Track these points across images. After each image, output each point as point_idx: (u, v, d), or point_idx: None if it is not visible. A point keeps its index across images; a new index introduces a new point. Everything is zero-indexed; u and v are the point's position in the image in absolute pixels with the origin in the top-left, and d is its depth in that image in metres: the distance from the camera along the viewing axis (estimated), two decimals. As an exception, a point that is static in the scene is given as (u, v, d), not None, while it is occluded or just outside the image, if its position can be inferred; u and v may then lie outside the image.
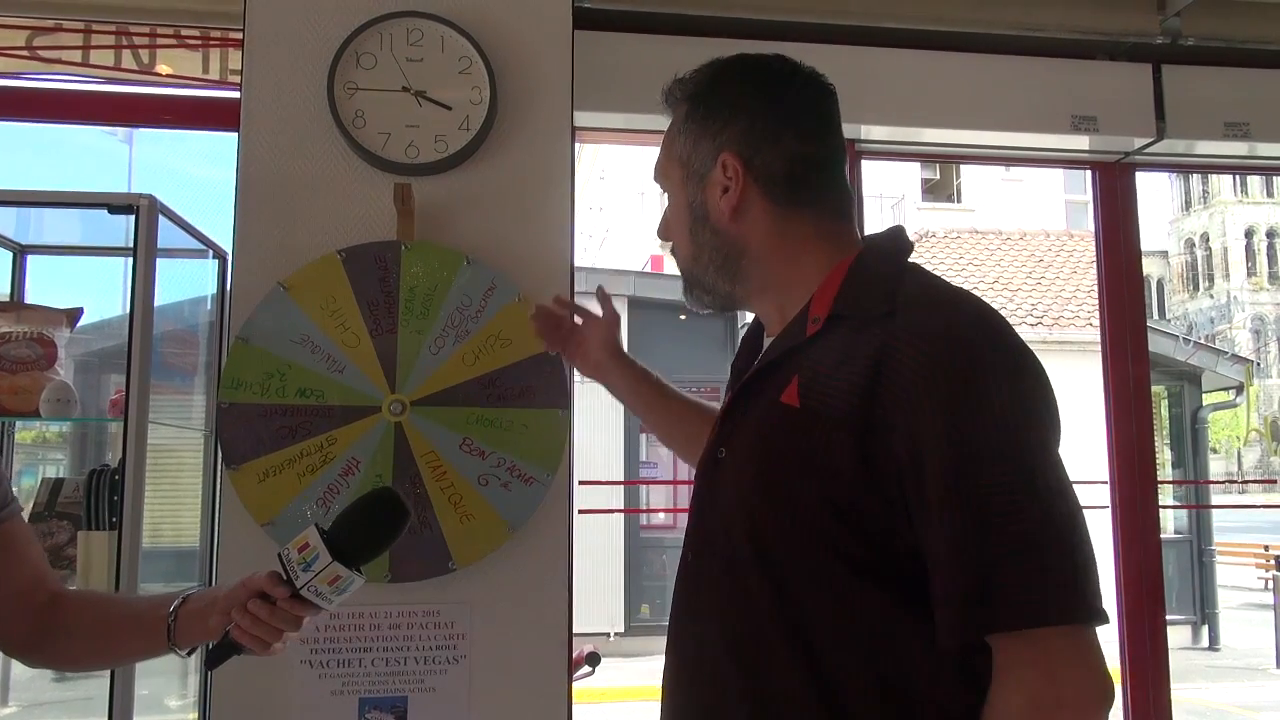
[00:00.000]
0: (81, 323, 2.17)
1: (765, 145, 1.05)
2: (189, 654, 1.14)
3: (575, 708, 1.71)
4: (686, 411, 1.46)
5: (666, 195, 1.16)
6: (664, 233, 1.17)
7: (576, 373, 1.68)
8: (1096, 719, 0.85)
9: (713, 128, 1.07)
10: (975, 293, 1.01)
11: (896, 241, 1.07)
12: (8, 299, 2.30)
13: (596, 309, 1.54)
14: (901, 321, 0.93)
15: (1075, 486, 0.91)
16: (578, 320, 1.56)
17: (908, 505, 0.90)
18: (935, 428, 0.88)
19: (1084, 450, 1.91)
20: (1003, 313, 0.98)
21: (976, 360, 0.90)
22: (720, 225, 1.07)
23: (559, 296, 1.59)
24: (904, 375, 0.90)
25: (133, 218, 1.84)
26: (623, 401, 1.52)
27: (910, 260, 1.04)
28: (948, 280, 1.03)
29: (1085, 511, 0.90)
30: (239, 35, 1.76)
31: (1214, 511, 10.19)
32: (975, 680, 0.90)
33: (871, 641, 0.92)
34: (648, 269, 14.02)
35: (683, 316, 9.65)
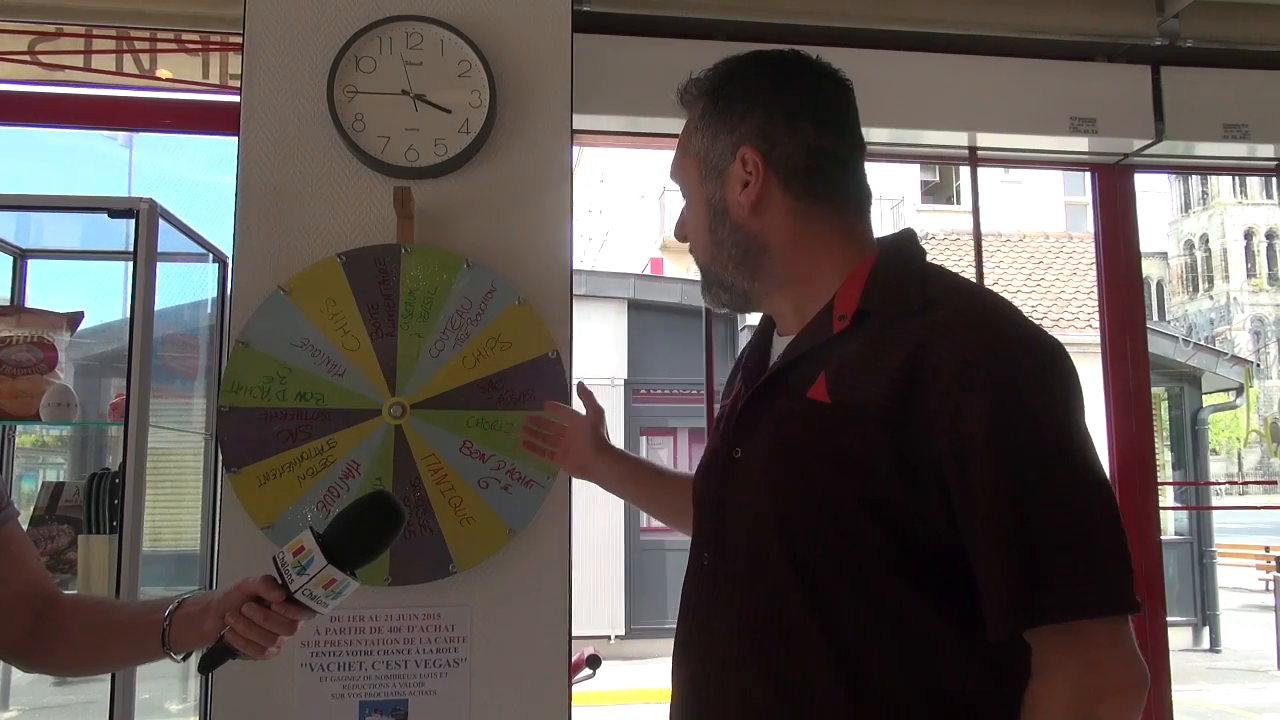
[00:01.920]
0: (82, 327, 2.18)
1: (784, 137, 1.04)
2: (184, 658, 1.13)
3: (575, 710, 1.71)
4: (684, 485, 1.38)
5: (684, 195, 1.15)
6: (681, 233, 1.16)
7: (575, 378, 1.68)
8: (1137, 706, 0.87)
9: (730, 122, 1.07)
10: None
11: (913, 243, 1.07)
12: (8, 303, 2.30)
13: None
14: (936, 317, 0.94)
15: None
16: (565, 424, 1.50)
17: (949, 500, 0.90)
18: (980, 422, 0.88)
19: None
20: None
21: (1017, 353, 0.91)
22: (740, 220, 1.06)
23: (550, 402, 1.55)
24: (945, 370, 0.90)
25: (133, 222, 1.84)
26: (614, 492, 1.48)
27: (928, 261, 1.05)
28: (966, 278, 1.03)
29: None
30: (239, 39, 1.77)
31: (1214, 513, 10.18)
32: (1005, 677, 0.91)
33: (904, 639, 0.92)
34: (647, 272, 14.03)
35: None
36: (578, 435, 1.47)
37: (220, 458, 1.61)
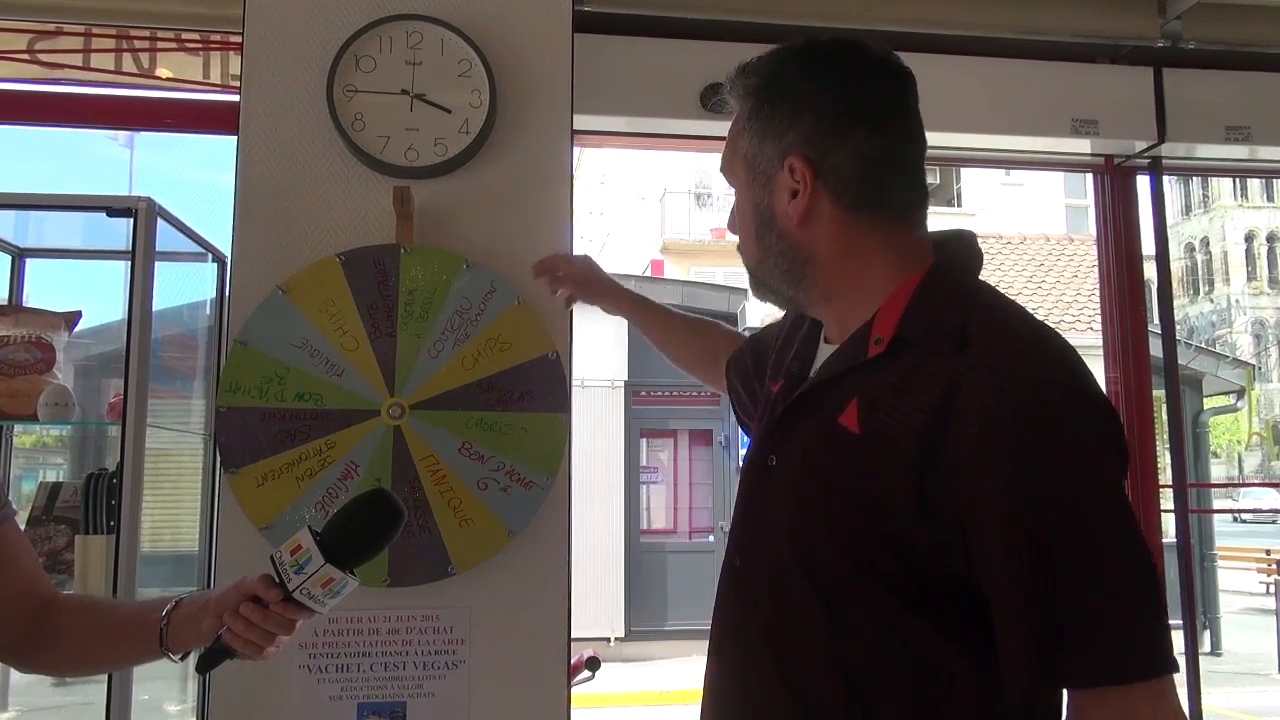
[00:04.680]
0: (80, 326, 2.17)
1: (834, 145, 0.99)
2: (182, 658, 1.13)
3: (574, 713, 1.70)
4: (701, 327, 1.62)
5: (734, 192, 1.11)
6: (732, 226, 1.12)
7: (576, 379, 1.69)
8: None
9: (778, 127, 1.01)
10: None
11: (968, 255, 1.01)
12: (6, 302, 2.30)
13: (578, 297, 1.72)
14: (973, 359, 0.88)
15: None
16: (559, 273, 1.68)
17: (968, 549, 0.87)
18: (1005, 477, 0.84)
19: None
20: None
21: (1050, 408, 0.85)
22: (787, 229, 1.02)
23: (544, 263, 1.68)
24: (973, 419, 0.86)
25: (131, 221, 1.83)
26: (633, 319, 1.68)
27: (981, 279, 1.00)
28: (1021, 307, 0.97)
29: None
30: (239, 39, 1.76)
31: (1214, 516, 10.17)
32: (1022, 715, 0.89)
33: (917, 672, 0.90)
34: (648, 274, 14.04)
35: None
36: (579, 262, 1.67)
37: (218, 458, 1.61)
